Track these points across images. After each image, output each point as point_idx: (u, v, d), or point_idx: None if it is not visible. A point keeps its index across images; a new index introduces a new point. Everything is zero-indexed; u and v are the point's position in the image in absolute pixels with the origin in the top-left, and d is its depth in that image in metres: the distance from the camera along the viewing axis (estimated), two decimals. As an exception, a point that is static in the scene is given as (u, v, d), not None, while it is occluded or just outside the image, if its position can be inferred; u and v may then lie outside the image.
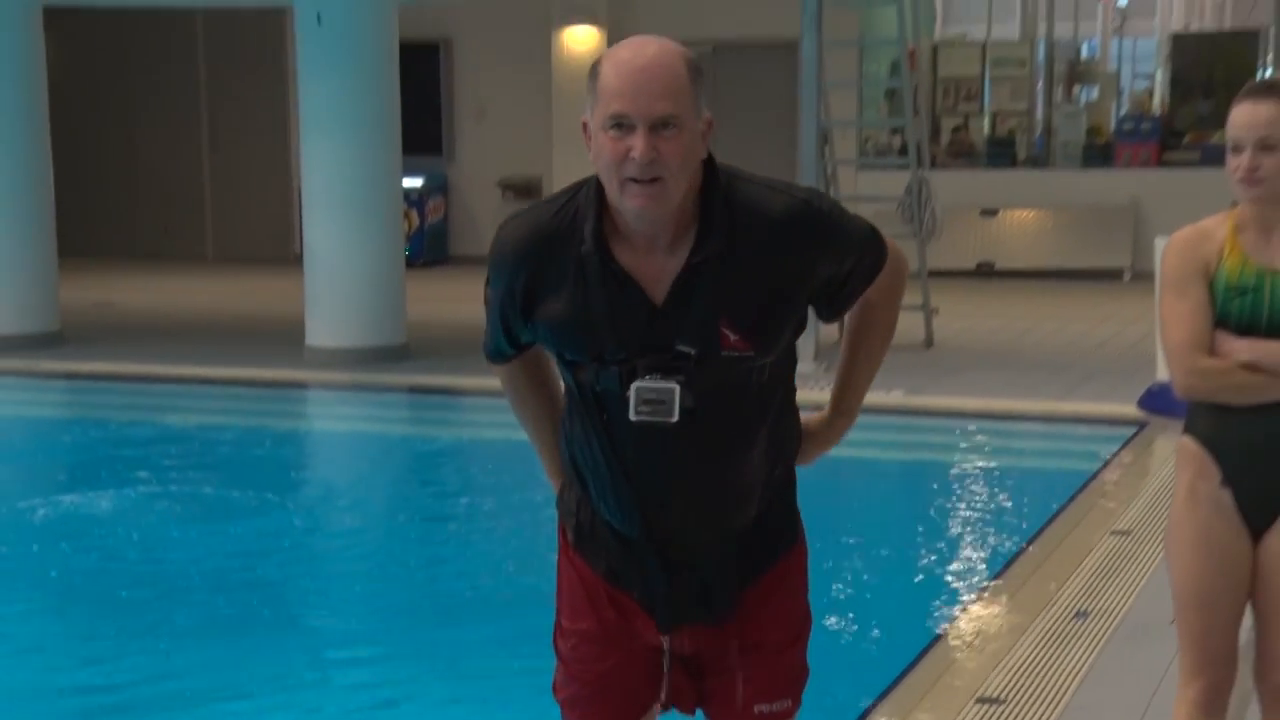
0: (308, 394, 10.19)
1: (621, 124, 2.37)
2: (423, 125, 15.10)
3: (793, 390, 2.68)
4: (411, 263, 12.67)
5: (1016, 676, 4.67)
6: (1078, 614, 5.25)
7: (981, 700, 4.47)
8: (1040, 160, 15.84)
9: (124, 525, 6.78)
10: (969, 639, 5.14)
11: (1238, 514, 3.27)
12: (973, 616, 5.42)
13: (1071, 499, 6.85)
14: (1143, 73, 22.48)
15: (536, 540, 5.91)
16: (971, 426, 8.58)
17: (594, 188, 2.47)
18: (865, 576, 6.01)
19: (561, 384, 2.68)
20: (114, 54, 16.90)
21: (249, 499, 7.21)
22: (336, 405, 10.08)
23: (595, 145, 2.42)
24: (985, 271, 14.63)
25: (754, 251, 2.46)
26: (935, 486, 7.64)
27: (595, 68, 2.43)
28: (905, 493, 7.74)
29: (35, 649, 5.47)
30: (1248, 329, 3.19)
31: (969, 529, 6.80)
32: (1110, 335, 11.21)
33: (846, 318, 2.75)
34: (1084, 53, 20.21)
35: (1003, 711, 4.39)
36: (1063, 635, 5.03)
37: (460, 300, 9.98)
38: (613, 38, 14.54)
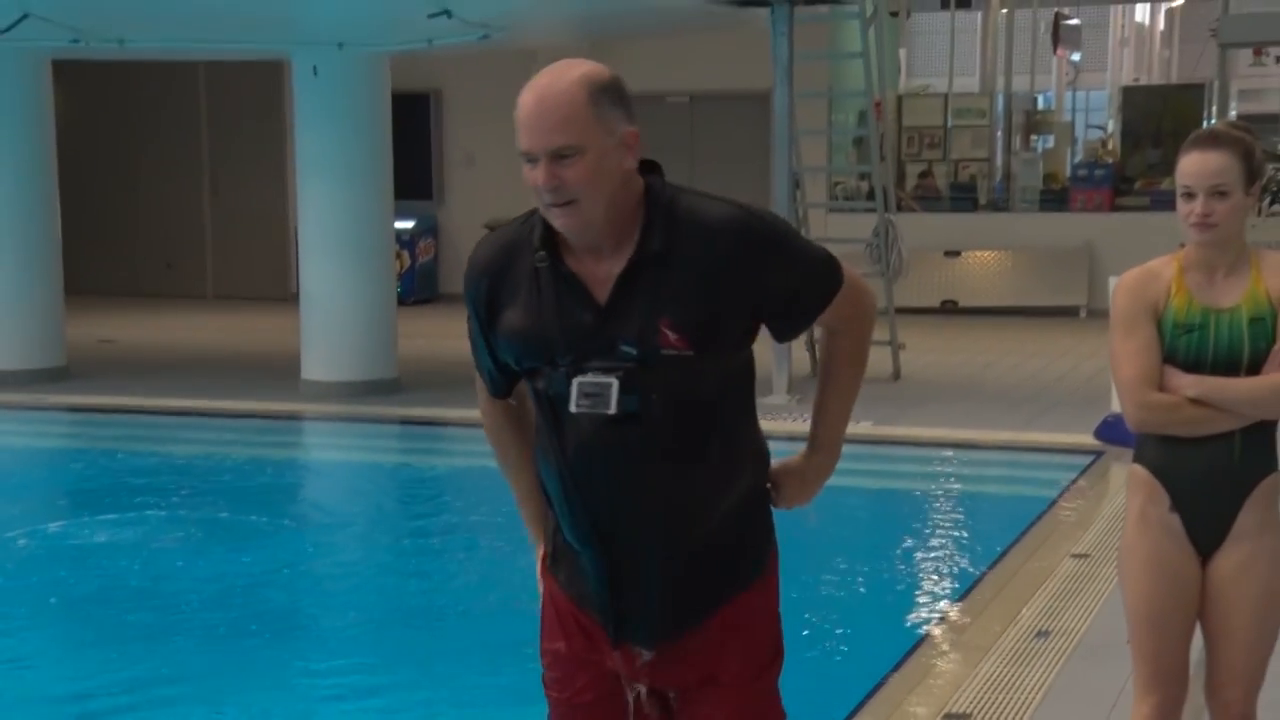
0: (304, 425, 10.23)
1: (528, 157, 2.48)
2: (414, 170, 15.17)
3: (750, 408, 2.65)
4: (403, 301, 12.63)
5: (982, 693, 4.73)
6: (1039, 633, 5.31)
7: (949, 716, 4.54)
8: (1000, 204, 15.96)
9: (127, 550, 6.85)
10: (936, 658, 5.20)
11: (1186, 538, 3.31)
12: (939, 637, 5.47)
13: (1032, 524, 6.93)
14: (1095, 123, 22.74)
15: (516, 560, 6.08)
16: (937, 455, 8.66)
17: None
18: (835, 599, 6.07)
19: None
20: (120, 102, 16.97)
21: (249, 525, 7.34)
22: (331, 436, 10.16)
23: None
24: (949, 309, 14.71)
25: (693, 253, 2.49)
26: (903, 513, 7.76)
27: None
28: (874, 518, 7.77)
29: (30, 666, 5.53)
30: (1194, 365, 3.23)
31: (935, 553, 6.85)
32: (1068, 369, 11.35)
33: (819, 352, 2.76)
34: (1040, 104, 20.00)
35: (970, 727, 4.51)
36: (1025, 654, 5.10)
37: (449, 336, 9.97)
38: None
